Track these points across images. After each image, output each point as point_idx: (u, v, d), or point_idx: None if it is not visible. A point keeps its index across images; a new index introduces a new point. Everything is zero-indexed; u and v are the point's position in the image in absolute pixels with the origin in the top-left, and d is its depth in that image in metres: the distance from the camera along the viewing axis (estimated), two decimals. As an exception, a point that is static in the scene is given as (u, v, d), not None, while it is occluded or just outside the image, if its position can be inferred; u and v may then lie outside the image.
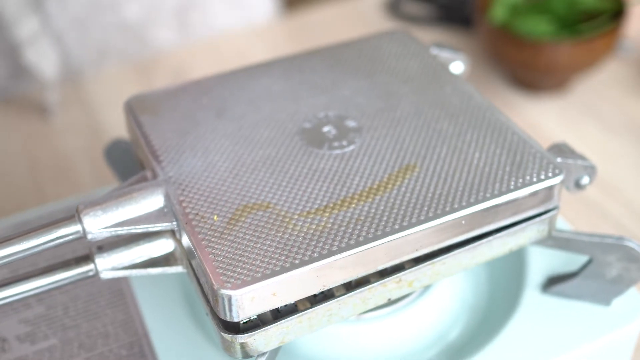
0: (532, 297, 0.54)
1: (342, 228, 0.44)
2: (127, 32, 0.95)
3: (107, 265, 0.48)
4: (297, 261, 0.42)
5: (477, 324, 0.55)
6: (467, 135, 0.52)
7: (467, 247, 0.48)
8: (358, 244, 0.43)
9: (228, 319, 0.42)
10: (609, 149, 0.80)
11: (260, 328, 0.44)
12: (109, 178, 0.76)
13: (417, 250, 0.46)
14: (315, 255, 0.43)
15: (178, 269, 0.49)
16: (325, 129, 0.52)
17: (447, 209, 0.46)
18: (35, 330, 0.54)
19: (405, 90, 0.56)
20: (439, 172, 0.48)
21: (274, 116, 0.54)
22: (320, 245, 0.43)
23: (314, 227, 0.44)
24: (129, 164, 0.60)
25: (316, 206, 0.46)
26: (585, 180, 0.51)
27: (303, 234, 0.44)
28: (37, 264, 0.58)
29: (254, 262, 0.42)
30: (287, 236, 0.44)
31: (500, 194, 0.47)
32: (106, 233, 0.46)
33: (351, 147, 0.51)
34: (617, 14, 0.83)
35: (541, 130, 0.81)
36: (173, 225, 0.46)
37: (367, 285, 0.46)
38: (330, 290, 0.47)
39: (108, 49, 0.96)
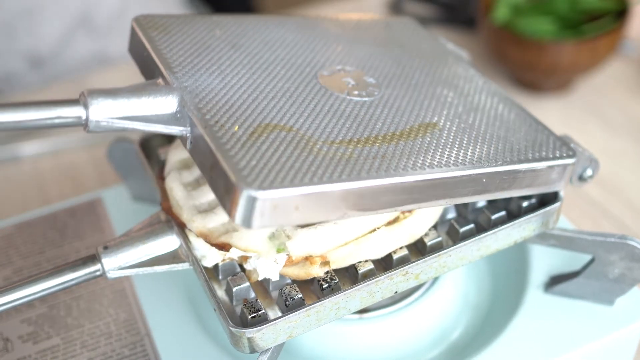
0: (534, 297, 0.54)
1: (369, 160, 0.43)
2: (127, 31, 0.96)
3: (113, 264, 0.48)
4: (324, 178, 0.41)
5: (480, 323, 0.55)
6: (484, 111, 0.52)
7: (473, 239, 0.48)
8: (386, 175, 0.43)
9: (245, 224, 0.39)
10: (612, 149, 0.80)
11: (268, 322, 0.44)
12: (112, 178, 0.76)
13: (435, 198, 0.45)
14: (343, 177, 0.41)
15: (184, 265, 0.49)
16: (344, 79, 0.51)
17: (469, 163, 0.46)
18: (38, 330, 0.54)
19: (418, 64, 0.56)
20: (460, 134, 0.49)
21: (290, 59, 0.52)
22: (348, 170, 0.42)
23: (339, 154, 0.43)
24: (132, 164, 0.60)
25: (340, 138, 0.45)
26: (588, 172, 0.51)
27: (329, 158, 0.43)
28: (41, 266, 0.59)
29: (279, 172, 0.40)
30: (312, 157, 0.42)
31: (520, 162, 0.48)
32: (110, 124, 0.43)
33: (371, 99, 0.50)
34: (619, 14, 0.82)
35: (544, 130, 0.81)
36: (185, 130, 0.44)
37: (374, 278, 0.46)
38: (337, 284, 0.47)
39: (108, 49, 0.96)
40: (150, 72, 0.49)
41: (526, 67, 0.83)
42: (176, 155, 0.54)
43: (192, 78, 0.46)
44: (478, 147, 0.48)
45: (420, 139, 0.47)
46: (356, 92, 0.50)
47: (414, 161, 0.44)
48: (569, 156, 0.50)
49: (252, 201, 0.39)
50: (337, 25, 0.60)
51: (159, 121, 0.44)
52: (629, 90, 0.88)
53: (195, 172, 0.52)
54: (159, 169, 0.55)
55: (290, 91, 0.48)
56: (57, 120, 0.42)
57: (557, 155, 0.49)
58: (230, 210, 0.40)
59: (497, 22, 0.82)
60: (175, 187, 0.51)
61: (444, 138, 0.48)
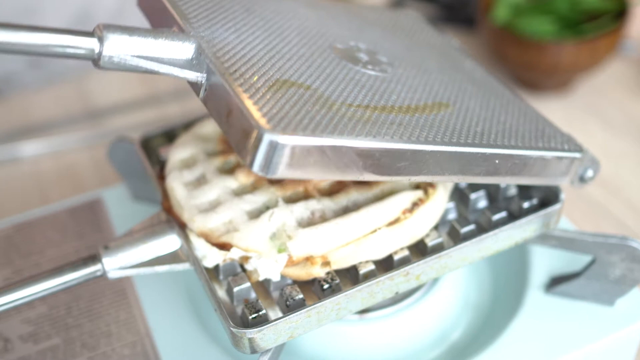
0: (535, 297, 0.54)
1: (386, 125, 0.43)
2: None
3: (114, 264, 0.48)
4: (344, 134, 0.40)
5: (480, 324, 0.55)
6: (493, 100, 0.52)
7: (474, 239, 0.48)
8: (404, 141, 0.42)
9: (263, 171, 0.38)
10: (612, 149, 0.80)
11: (269, 322, 0.44)
12: (112, 178, 0.76)
13: (449, 173, 0.45)
14: (362, 135, 0.41)
15: (185, 266, 0.49)
16: (357, 54, 0.51)
17: (484, 142, 0.46)
18: (38, 330, 0.54)
19: (426, 52, 0.56)
20: (470, 118, 0.48)
21: (303, 29, 0.51)
22: (367, 130, 0.41)
23: (358, 116, 0.42)
24: (132, 163, 0.60)
25: (357, 102, 0.44)
26: (589, 173, 0.51)
27: (348, 117, 0.42)
28: (42, 266, 0.59)
29: (300, 122, 0.39)
30: (331, 114, 0.42)
31: (531, 148, 0.48)
32: (123, 61, 0.42)
33: (384, 74, 0.49)
34: (619, 14, 0.82)
35: (544, 131, 0.81)
36: (201, 77, 0.43)
37: (375, 279, 0.46)
38: (337, 284, 0.47)
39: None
40: (164, 24, 0.47)
41: (526, 67, 0.83)
42: (177, 154, 0.54)
43: (208, 30, 0.45)
44: (492, 130, 0.48)
45: (434, 116, 0.46)
46: (370, 67, 0.49)
47: (434, 134, 0.44)
48: (576, 150, 0.50)
49: (272, 146, 0.38)
50: (346, 9, 0.59)
51: (174, 64, 0.43)
52: (629, 90, 0.88)
53: (196, 172, 0.52)
54: (160, 169, 0.55)
55: (305, 56, 0.47)
56: (68, 50, 0.40)
57: (566, 148, 0.50)
58: (246, 156, 0.39)
59: (497, 22, 0.82)
60: (176, 186, 0.51)
61: (458, 118, 0.48)
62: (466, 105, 0.50)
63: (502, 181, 0.48)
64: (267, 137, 0.38)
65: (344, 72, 0.47)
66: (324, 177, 0.41)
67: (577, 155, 0.50)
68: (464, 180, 0.46)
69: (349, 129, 0.41)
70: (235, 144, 0.40)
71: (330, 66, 0.47)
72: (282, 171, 0.39)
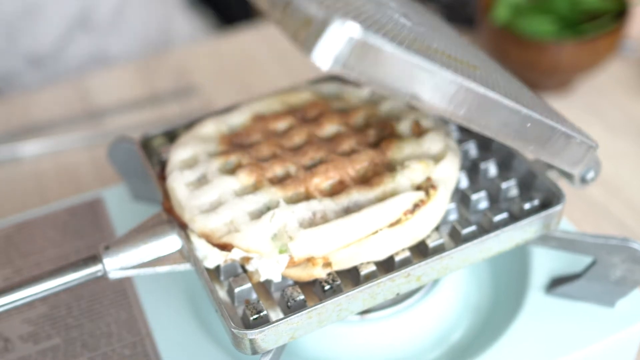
0: (536, 298, 0.54)
1: (436, 57, 0.41)
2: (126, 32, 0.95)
3: (115, 265, 0.48)
4: (403, 47, 0.39)
5: (481, 325, 0.55)
6: (513, 82, 0.52)
7: (475, 241, 0.48)
8: (454, 73, 0.41)
9: (320, 60, 0.36)
10: (612, 149, 0.80)
11: (270, 324, 0.44)
12: (112, 178, 0.76)
13: (484, 123, 0.44)
14: (418, 54, 0.39)
15: (186, 266, 0.49)
16: (391, 9, 0.49)
17: (518, 102, 0.45)
18: (39, 330, 0.54)
19: (447, 32, 0.55)
20: (502, 84, 0.47)
21: None
22: (422, 53, 0.40)
23: (408, 42, 0.41)
24: (132, 163, 0.60)
25: (404, 35, 0.42)
26: (591, 174, 0.52)
27: (400, 40, 0.40)
28: (42, 266, 0.58)
29: (362, 22, 0.37)
30: (385, 31, 0.40)
31: (557, 123, 0.47)
32: None
33: (419, 28, 0.48)
34: (619, 14, 0.82)
35: (544, 131, 0.81)
36: None
37: (376, 280, 0.46)
38: (339, 285, 0.47)
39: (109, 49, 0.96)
40: None
41: (526, 67, 0.83)
42: (178, 155, 0.54)
43: None
44: (523, 98, 0.47)
45: (467, 68, 0.45)
46: (405, 19, 0.48)
47: (478, 81, 0.43)
48: (591, 141, 0.50)
49: (337, 33, 0.36)
50: None
51: None
52: (629, 90, 0.88)
53: (197, 172, 0.52)
54: (160, 169, 0.55)
55: None
56: None
57: (584, 135, 0.50)
58: (307, 42, 0.36)
59: (497, 22, 0.82)
60: (177, 187, 0.51)
61: (488, 79, 0.46)
62: (493, 76, 0.49)
63: (527, 149, 0.47)
64: (335, 23, 0.36)
65: (383, 11, 0.46)
66: (374, 85, 0.39)
67: (593, 144, 0.50)
68: (494, 136, 0.45)
69: (405, 44, 0.39)
70: (293, 32, 0.38)
71: (369, 4, 0.45)
72: (340, 64, 0.37)
